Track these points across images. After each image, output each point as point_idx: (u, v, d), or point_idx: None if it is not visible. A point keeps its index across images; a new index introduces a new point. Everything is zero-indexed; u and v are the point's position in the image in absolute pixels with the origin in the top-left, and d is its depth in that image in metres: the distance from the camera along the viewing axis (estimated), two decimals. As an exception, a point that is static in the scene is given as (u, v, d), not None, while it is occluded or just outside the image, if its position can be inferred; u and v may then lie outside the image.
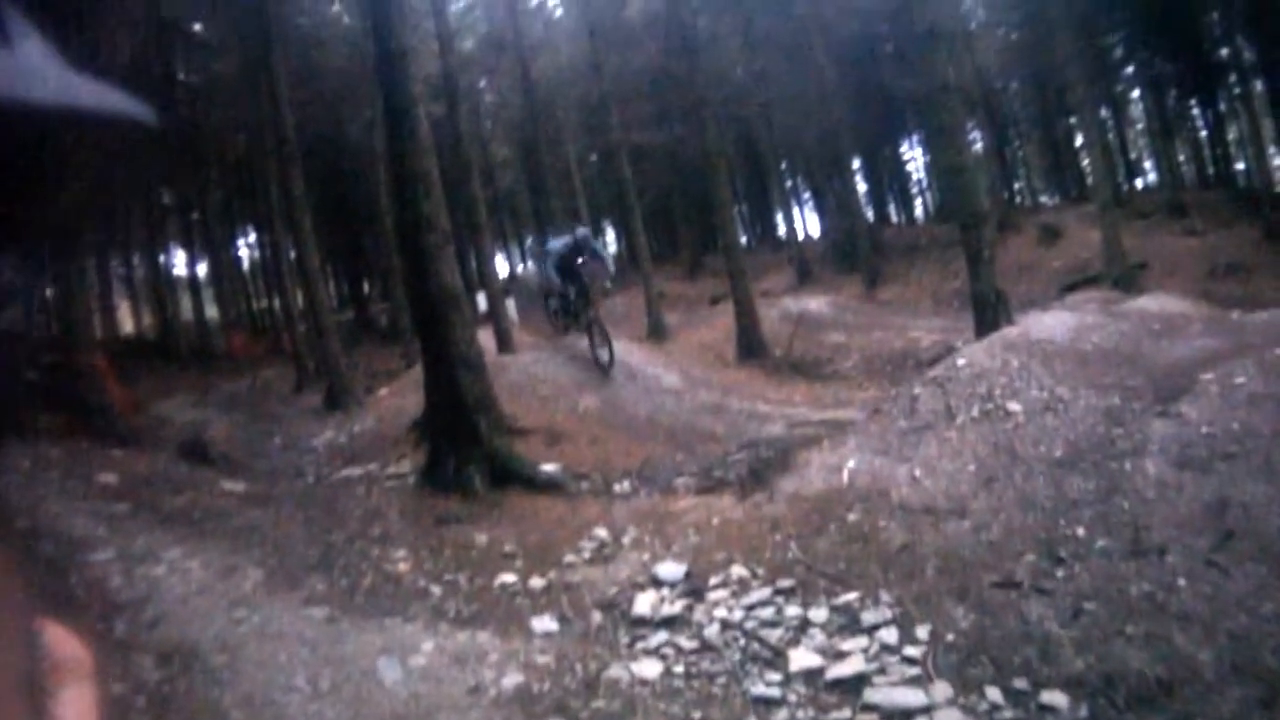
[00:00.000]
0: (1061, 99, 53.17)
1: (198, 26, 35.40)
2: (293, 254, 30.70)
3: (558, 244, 19.87)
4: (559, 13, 53.23)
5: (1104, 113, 50.01)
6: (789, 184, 56.77)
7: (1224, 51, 48.46)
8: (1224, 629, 5.94)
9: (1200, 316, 15.48)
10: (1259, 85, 44.53)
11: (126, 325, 51.69)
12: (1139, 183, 61.08)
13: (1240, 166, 55.90)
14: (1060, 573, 7.07)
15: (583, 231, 20.18)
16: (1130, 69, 53.72)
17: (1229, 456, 7.77)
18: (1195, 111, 55.77)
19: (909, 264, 42.12)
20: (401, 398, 18.70)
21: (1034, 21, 42.65)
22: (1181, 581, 6.47)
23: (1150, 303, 18.73)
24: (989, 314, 16.83)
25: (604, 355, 18.51)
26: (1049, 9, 35.00)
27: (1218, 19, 45.77)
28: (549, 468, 12.63)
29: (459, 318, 12.60)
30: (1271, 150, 45.35)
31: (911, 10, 18.30)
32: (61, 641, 0.76)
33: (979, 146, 47.61)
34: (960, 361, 11.73)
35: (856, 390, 20.03)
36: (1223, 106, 52.87)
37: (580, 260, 19.59)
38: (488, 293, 26.60)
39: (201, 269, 55.47)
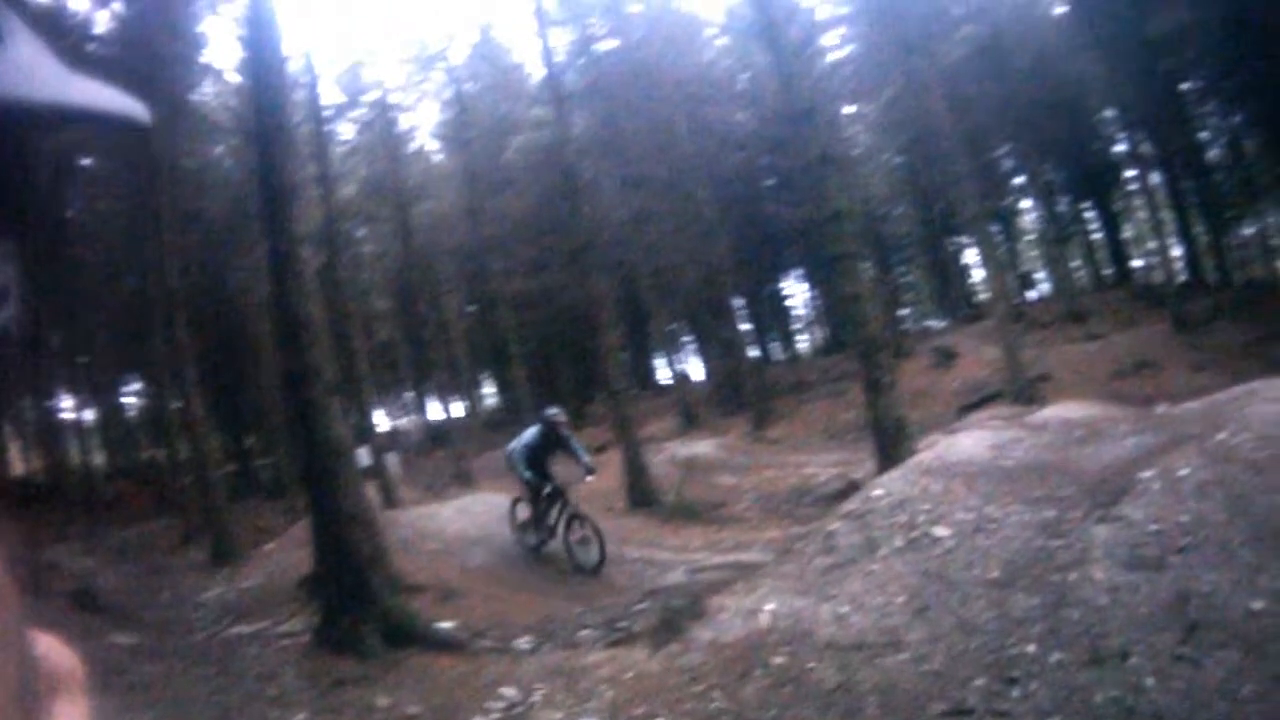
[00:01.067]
0: (947, 219, 55.12)
1: (85, 162, 35.66)
2: (177, 404, 31.14)
3: (527, 436, 18.36)
4: (439, 157, 55.00)
5: (993, 227, 51.78)
6: (670, 327, 57.71)
7: (1118, 149, 50.91)
8: (1202, 719, 6.03)
9: (1125, 416, 15.87)
10: (1157, 178, 46.43)
11: (16, 467, 51.72)
12: (1033, 294, 63.08)
13: (1139, 264, 58.24)
14: (1015, 692, 7.14)
15: (554, 413, 18.66)
16: (1020, 179, 55.88)
17: (1182, 550, 7.97)
18: (1089, 214, 58.20)
19: (797, 400, 43.21)
20: (288, 553, 18.70)
21: (921, 143, 44.22)
22: (1150, 681, 6.59)
23: (1058, 412, 19.17)
24: (890, 442, 17.22)
25: (590, 555, 16.95)
26: (938, 128, 36.29)
27: (1113, 115, 48.15)
28: (445, 625, 12.57)
29: (347, 471, 12.68)
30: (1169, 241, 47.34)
31: (802, 138, 18.89)
32: (55, 653, 0.85)
33: (868, 273, 49.07)
34: (877, 492, 11.89)
35: (754, 532, 20.19)
36: (1117, 206, 55.39)
37: (554, 454, 18.33)
38: (371, 446, 26.78)
39: (90, 415, 56.09)
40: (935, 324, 64.61)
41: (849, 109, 50.54)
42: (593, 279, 28.05)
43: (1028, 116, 45.58)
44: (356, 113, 45.18)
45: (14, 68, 0.68)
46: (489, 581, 15.93)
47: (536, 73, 45.41)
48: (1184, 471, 9.18)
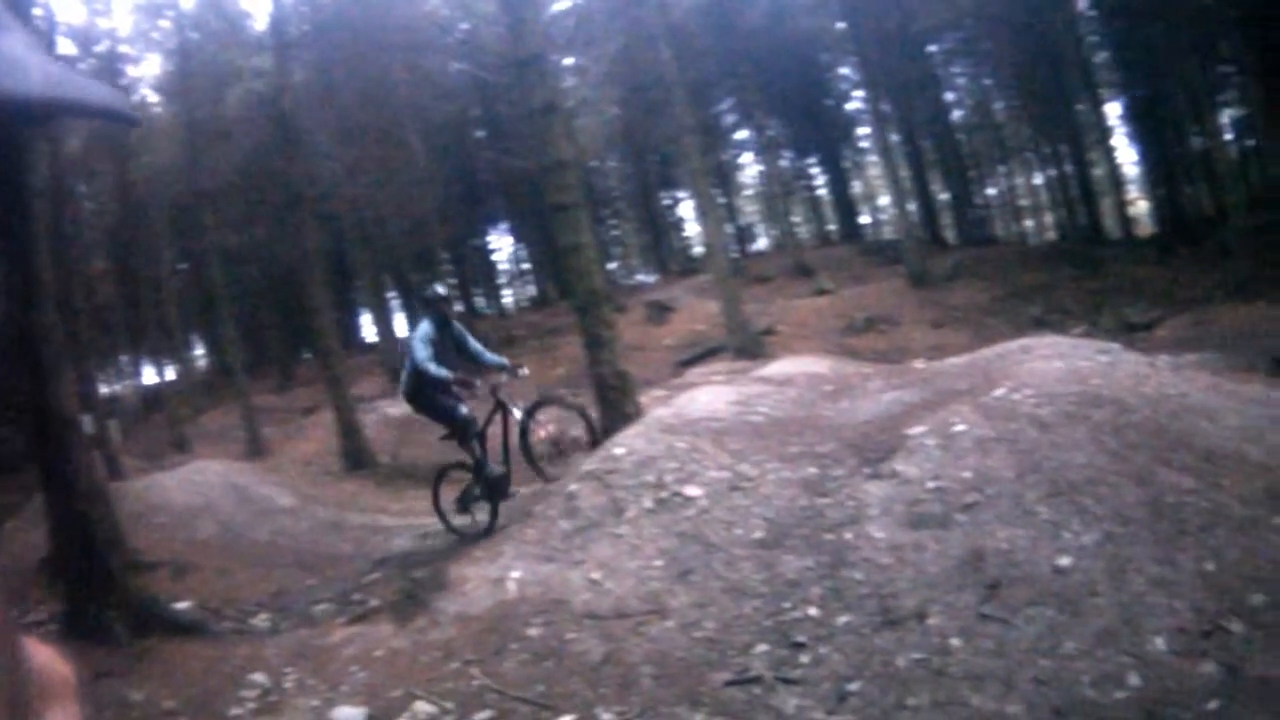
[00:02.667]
0: (663, 172, 56.02)
1: None
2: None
3: (419, 333, 13.54)
4: (160, 109, 53.59)
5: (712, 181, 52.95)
6: (376, 282, 57.47)
7: (852, 106, 52.73)
8: (1026, 677, 6.20)
9: (878, 371, 16.17)
10: (895, 136, 48.03)
11: None
12: (755, 248, 64.76)
13: (866, 221, 60.40)
14: (804, 658, 7.16)
15: (440, 291, 14.41)
16: (744, 134, 57.22)
17: (970, 507, 8.13)
18: (816, 170, 59.97)
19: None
20: (29, 532, 17.69)
21: (643, 95, 44.66)
22: (955, 641, 6.71)
23: (788, 366, 19.43)
24: (613, 397, 17.36)
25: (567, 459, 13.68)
26: (663, 81, 36.53)
27: (850, 74, 49.77)
28: (182, 606, 12.11)
29: (79, 444, 12.00)
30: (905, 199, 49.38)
31: (527, 85, 18.80)
32: (48, 661, 0.91)
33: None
34: (618, 450, 11.75)
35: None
36: (846, 163, 57.28)
37: (449, 356, 13.63)
38: (94, 414, 26.01)
39: None
40: (646, 278, 65.48)
41: (568, 60, 51.01)
42: (303, 233, 27.65)
43: (757, 71, 46.57)
44: (85, 64, 44.16)
45: (4, 62, 0.70)
46: (218, 554, 15.39)
47: (264, 22, 45.08)
48: (960, 428, 9.39)
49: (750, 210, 70.87)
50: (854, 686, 6.64)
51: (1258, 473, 8.29)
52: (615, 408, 17.13)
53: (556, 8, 47.71)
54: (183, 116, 41.92)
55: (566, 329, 32.32)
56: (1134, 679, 6.17)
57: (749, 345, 31.81)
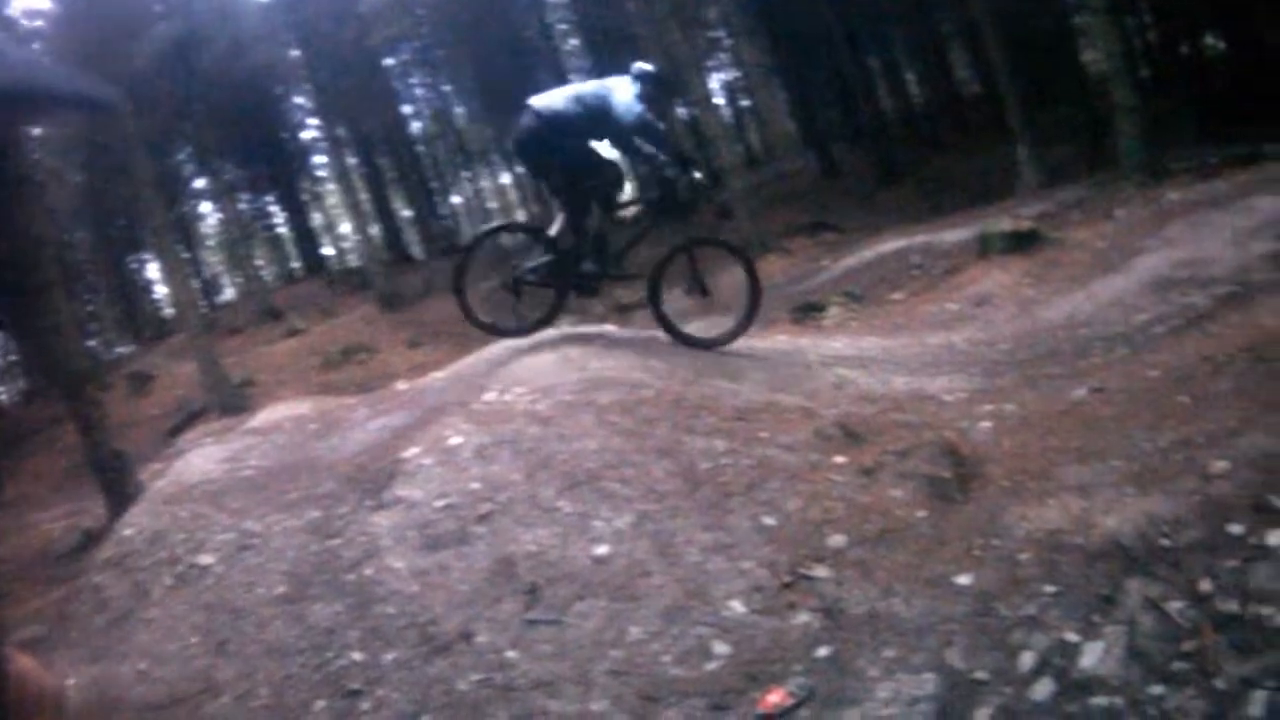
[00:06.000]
0: (129, 236, 53.90)
1: None
2: None
3: (633, 88, 11.09)
4: None
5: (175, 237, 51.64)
6: None
7: (307, 135, 51.93)
8: (600, 672, 6.14)
9: (360, 401, 15.82)
10: (351, 159, 47.71)
11: None
12: (221, 299, 63.55)
13: (331, 251, 59.92)
14: (364, 704, 6.83)
15: (651, 68, 11.70)
16: (201, 182, 55.67)
17: (485, 517, 7.99)
18: (275, 208, 58.95)
19: (14, 458, 40.92)
20: None
21: (103, 155, 42.83)
22: (511, 654, 6.53)
23: (273, 414, 19.04)
24: (113, 480, 16.95)
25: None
26: (121, 136, 35.04)
27: (304, 102, 48.93)
28: None
29: None
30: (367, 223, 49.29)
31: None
32: (36, 675, 0.96)
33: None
34: (127, 532, 11.05)
35: (18, 605, 18.85)
36: (305, 196, 56.47)
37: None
38: None
39: None
40: (124, 349, 63.28)
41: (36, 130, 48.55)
42: None
43: (213, 113, 45.34)
44: None
45: None
46: None
47: None
48: (455, 440, 9.25)
49: (215, 260, 69.61)
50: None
51: (801, 419, 8.55)
52: (117, 489, 16.59)
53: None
54: None
55: (64, 418, 30.95)
56: (720, 647, 6.19)
57: (231, 401, 31.25)
